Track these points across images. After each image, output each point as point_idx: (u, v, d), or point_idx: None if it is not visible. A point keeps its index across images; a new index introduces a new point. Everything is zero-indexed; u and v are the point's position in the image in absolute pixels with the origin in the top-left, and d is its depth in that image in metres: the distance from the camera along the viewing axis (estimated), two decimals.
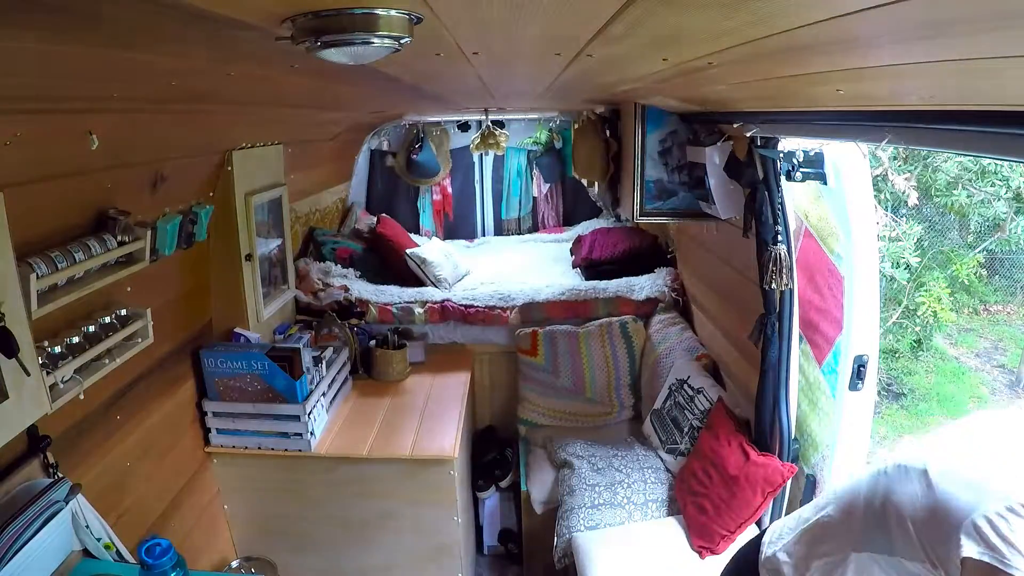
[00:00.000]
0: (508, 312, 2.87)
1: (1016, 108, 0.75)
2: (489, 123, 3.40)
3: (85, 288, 1.32)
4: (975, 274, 5.27)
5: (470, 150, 3.70)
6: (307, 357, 2.07)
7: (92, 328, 1.40)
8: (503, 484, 2.75)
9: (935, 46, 0.65)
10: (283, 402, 2.01)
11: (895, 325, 4.97)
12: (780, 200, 1.70)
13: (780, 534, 1.24)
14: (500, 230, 4.50)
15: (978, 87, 0.76)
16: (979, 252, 5.10)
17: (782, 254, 1.69)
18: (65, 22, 0.65)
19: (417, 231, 4.27)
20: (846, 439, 1.73)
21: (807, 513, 1.21)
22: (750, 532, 1.91)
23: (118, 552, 1.37)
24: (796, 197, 1.79)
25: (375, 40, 0.67)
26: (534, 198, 4.45)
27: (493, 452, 2.85)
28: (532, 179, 4.40)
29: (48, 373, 1.22)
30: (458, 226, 4.44)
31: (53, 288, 1.24)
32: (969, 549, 0.84)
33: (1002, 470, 0.90)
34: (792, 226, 1.76)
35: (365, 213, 3.99)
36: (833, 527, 1.12)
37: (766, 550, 1.25)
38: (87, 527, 1.32)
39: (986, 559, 0.82)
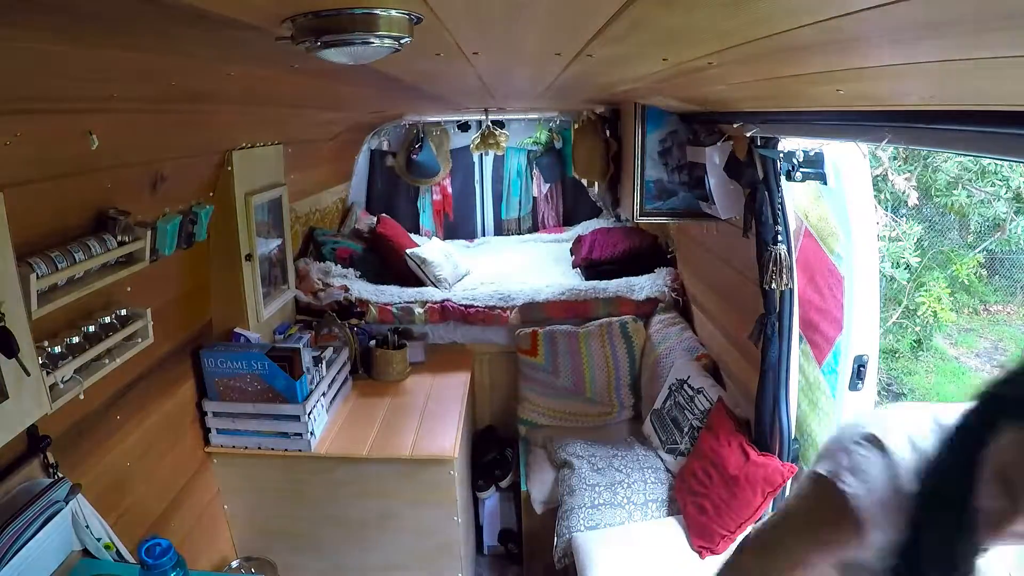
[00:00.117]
0: (508, 312, 2.87)
1: (1016, 108, 0.75)
2: (489, 123, 3.40)
3: (85, 288, 1.32)
4: (975, 274, 5.27)
5: (470, 150, 3.70)
6: (307, 357, 2.07)
7: (92, 328, 1.40)
8: (503, 484, 2.75)
9: (935, 46, 0.65)
10: (283, 402, 2.01)
11: (895, 325, 4.97)
12: (780, 200, 1.70)
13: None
14: (500, 230, 4.50)
15: (978, 87, 0.76)
16: (979, 252, 5.10)
17: (782, 254, 1.69)
18: (65, 22, 0.65)
19: (417, 231, 4.27)
20: None
21: None
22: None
23: (118, 552, 1.37)
24: (796, 197, 1.79)
25: (375, 40, 0.67)
26: (534, 198, 4.45)
27: (493, 452, 2.85)
28: (532, 179, 4.40)
29: (48, 373, 1.22)
30: (458, 226, 4.44)
31: (53, 288, 1.24)
32: (816, 466, 0.89)
33: (882, 415, 0.91)
34: (792, 226, 1.76)
35: (365, 213, 3.99)
36: None
37: None
38: (87, 527, 1.32)
39: (822, 471, 0.86)
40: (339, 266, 3.11)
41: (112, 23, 0.68)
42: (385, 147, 4.16)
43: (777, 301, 1.78)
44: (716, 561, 1.91)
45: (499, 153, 3.79)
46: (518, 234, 4.43)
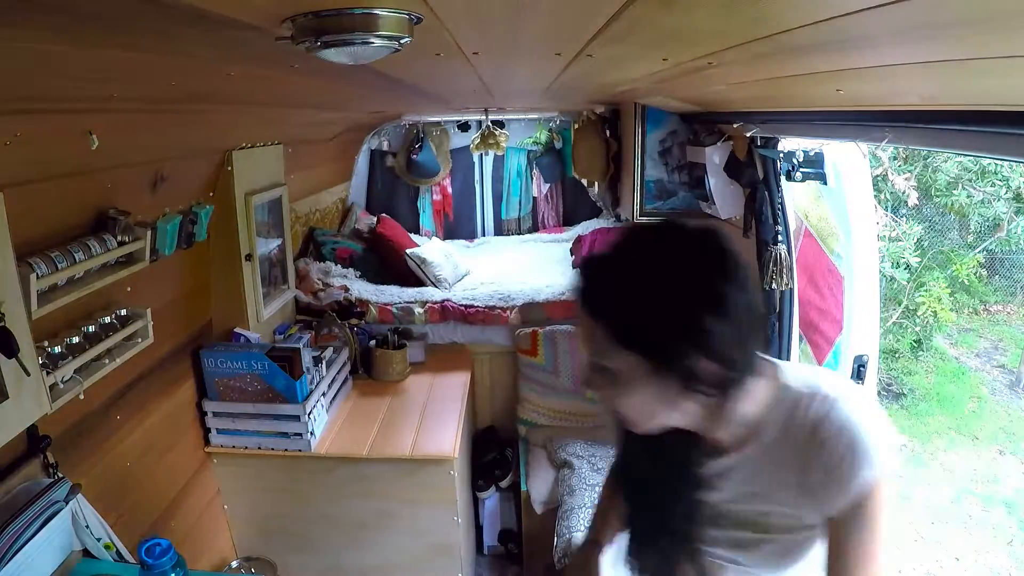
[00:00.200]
0: (508, 312, 2.87)
1: (1016, 108, 0.75)
2: (489, 123, 3.40)
3: (85, 288, 1.32)
4: (975, 274, 5.27)
5: (470, 150, 3.70)
6: (307, 357, 2.07)
7: (92, 328, 1.40)
8: (503, 484, 2.75)
9: (935, 46, 0.65)
10: (283, 402, 2.01)
11: (895, 325, 4.97)
12: (780, 200, 1.71)
13: None
14: (500, 230, 4.50)
15: (978, 87, 0.76)
16: (979, 252, 5.11)
17: (782, 254, 1.69)
18: (65, 22, 0.65)
19: (417, 231, 4.27)
20: None
21: None
22: None
23: (118, 552, 1.37)
24: (796, 197, 1.79)
25: (375, 40, 0.67)
26: (534, 198, 4.45)
27: (493, 452, 2.84)
28: (532, 179, 4.40)
29: (48, 373, 1.22)
30: (458, 226, 4.44)
31: (53, 288, 1.24)
32: None
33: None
34: (792, 226, 1.77)
35: (365, 213, 3.99)
36: None
37: None
38: (87, 527, 1.32)
39: None
40: (339, 266, 3.11)
41: (112, 23, 0.68)
42: (385, 147, 4.16)
43: (777, 301, 1.78)
44: None
45: (499, 153, 3.79)
46: (518, 234, 4.43)
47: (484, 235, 4.46)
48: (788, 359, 1.80)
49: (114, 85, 1.08)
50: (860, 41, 0.70)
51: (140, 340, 1.55)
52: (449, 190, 4.38)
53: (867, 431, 0.77)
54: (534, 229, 4.45)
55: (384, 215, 3.88)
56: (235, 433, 2.05)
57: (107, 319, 1.46)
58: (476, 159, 4.31)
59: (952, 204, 4.13)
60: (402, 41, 0.69)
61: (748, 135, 1.64)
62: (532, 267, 3.63)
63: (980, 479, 4.63)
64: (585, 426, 2.78)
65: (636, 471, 0.99)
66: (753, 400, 0.82)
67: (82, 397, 1.33)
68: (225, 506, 2.12)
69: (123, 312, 1.52)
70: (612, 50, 0.95)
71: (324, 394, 2.20)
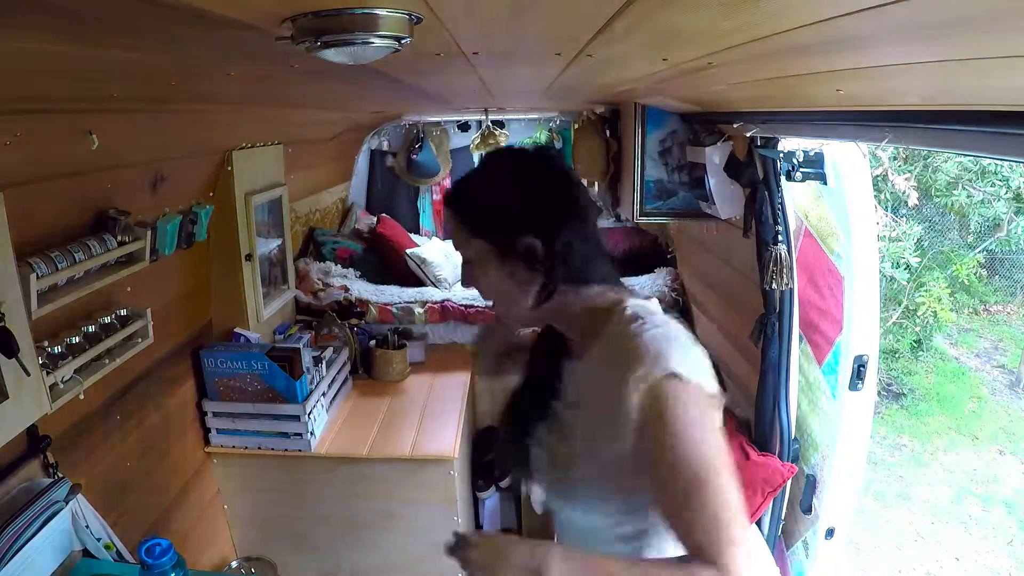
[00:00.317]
0: None
1: (1016, 108, 0.75)
2: (489, 123, 3.39)
3: (85, 288, 1.32)
4: (975, 274, 5.27)
5: (470, 150, 3.69)
6: (307, 357, 2.07)
7: (92, 328, 1.40)
8: (503, 484, 2.75)
9: (935, 46, 0.65)
10: (283, 402, 2.01)
11: (895, 325, 4.97)
12: (780, 200, 1.70)
13: None
14: None
15: (978, 87, 0.76)
16: (979, 252, 5.11)
17: (782, 254, 1.69)
18: (65, 22, 0.65)
19: (417, 231, 4.26)
20: (846, 439, 1.73)
21: None
22: (750, 532, 1.91)
23: (118, 552, 1.37)
24: (796, 197, 1.79)
25: (375, 40, 0.67)
26: None
27: (493, 452, 2.84)
28: None
29: (48, 373, 1.22)
30: None
31: (53, 288, 1.24)
32: None
33: None
34: (792, 226, 1.76)
35: (365, 213, 3.99)
36: None
37: None
38: (87, 527, 1.32)
39: None
40: (339, 266, 3.11)
41: (112, 23, 0.68)
42: (385, 147, 4.15)
43: (777, 301, 1.78)
44: None
45: None
46: None
47: None
48: (788, 359, 1.80)
49: (114, 85, 1.08)
50: (860, 41, 0.70)
51: (140, 340, 1.55)
52: None
53: (663, 350, 0.80)
54: None
55: (384, 215, 3.88)
56: (235, 433, 2.05)
57: (107, 319, 1.46)
58: (476, 159, 4.30)
59: (952, 204, 4.14)
60: (402, 41, 0.69)
61: (748, 135, 1.64)
62: None
63: (980, 479, 4.63)
64: None
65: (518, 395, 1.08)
66: (593, 306, 0.92)
67: (82, 397, 1.33)
68: (225, 506, 2.12)
69: (123, 312, 1.52)
70: (612, 50, 0.95)
71: (324, 394, 2.20)
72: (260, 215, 2.20)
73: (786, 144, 1.61)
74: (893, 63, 0.77)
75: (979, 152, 0.96)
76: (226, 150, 1.95)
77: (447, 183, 4.34)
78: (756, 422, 1.92)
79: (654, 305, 0.92)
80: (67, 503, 1.27)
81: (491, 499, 2.74)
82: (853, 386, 1.68)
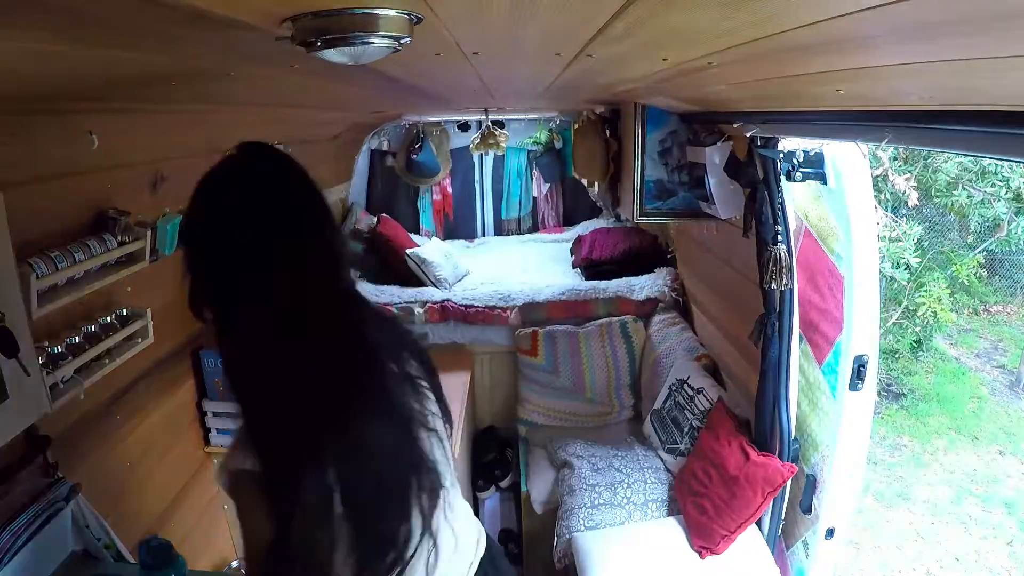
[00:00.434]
0: (508, 312, 2.87)
1: (1016, 108, 0.75)
2: (489, 123, 3.39)
3: (85, 288, 1.32)
4: (975, 274, 5.27)
5: (470, 150, 3.69)
6: None
7: (92, 328, 1.40)
8: (503, 484, 2.75)
9: (935, 46, 0.65)
10: None
11: (895, 325, 4.97)
12: (780, 200, 1.70)
13: None
14: (500, 230, 4.50)
15: (978, 87, 0.76)
16: (979, 252, 5.11)
17: (782, 254, 1.69)
18: (65, 22, 0.65)
19: (417, 231, 4.27)
20: (846, 439, 1.73)
21: None
22: (750, 532, 1.91)
23: (118, 552, 1.37)
24: (796, 197, 1.79)
25: (375, 40, 0.67)
26: (534, 198, 4.45)
27: (493, 452, 2.85)
28: (532, 179, 4.40)
29: (48, 373, 1.22)
30: (458, 226, 4.44)
31: (53, 288, 1.24)
32: None
33: None
34: (792, 226, 1.76)
35: (365, 213, 3.99)
36: None
37: None
38: (87, 527, 1.32)
39: None
40: None
41: (112, 23, 0.68)
42: (385, 147, 4.15)
43: (777, 301, 1.78)
44: (716, 561, 1.91)
45: (499, 153, 3.79)
46: (518, 234, 4.43)
47: (484, 235, 4.46)
48: (788, 359, 1.80)
49: (114, 85, 1.08)
50: (860, 41, 0.70)
51: (140, 340, 1.55)
52: (449, 190, 4.38)
53: None
54: (534, 229, 4.46)
55: (384, 215, 3.88)
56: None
57: (107, 319, 1.46)
58: (476, 159, 4.30)
59: (952, 204, 4.13)
60: (402, 41, 0.69)
61: (748, 135, 1.64)
62: (532, 267, 3.63)
63: (980, 479, 4.63)
64: (585, 426, 2.78)
65: None
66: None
67: (82, 397, 1.33)
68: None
69: (123, 312, 1.52)
70: (612, 50, 0.95)
71: None
72: None
73: (786, 144, 1.61)
74: (893, 63, 0.77)
75: (979, 152, 0.96)
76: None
77: (447, 184, 4.35)
78: (756, 422, 1.92)
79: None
80: (67, 503, 1.27)
81: (491, 499, 2.75)
82: (853, 386, 1.68)
